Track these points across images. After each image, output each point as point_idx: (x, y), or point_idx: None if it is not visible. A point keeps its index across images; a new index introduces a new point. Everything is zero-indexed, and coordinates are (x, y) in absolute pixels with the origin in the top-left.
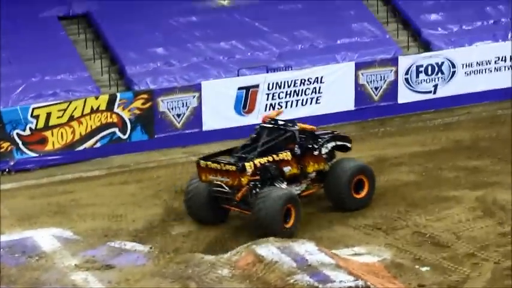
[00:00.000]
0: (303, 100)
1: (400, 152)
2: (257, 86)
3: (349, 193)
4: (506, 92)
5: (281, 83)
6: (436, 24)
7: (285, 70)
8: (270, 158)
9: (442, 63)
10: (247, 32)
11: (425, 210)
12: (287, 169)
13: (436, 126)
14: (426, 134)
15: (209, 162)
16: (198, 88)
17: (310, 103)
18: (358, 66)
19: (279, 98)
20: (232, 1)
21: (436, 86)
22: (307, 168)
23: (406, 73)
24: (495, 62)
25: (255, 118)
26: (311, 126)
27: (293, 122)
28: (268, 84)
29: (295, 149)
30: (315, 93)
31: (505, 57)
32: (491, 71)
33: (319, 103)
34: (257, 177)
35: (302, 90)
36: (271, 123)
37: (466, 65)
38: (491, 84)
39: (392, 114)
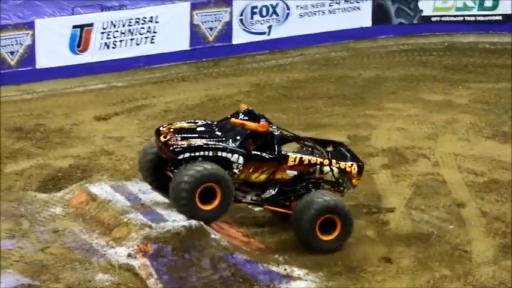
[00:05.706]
0: (137, 39)
1: (233, 92)
2: (91, 24)
3: None
4: (339, 35)
5: (115, 22)
6: None
7: (120, 9)
8: None
9: (277, 4)
10: None
11: None
12: None
13: (270, 67)
14: (260, 75)
15: None
16: (31, 26)
17: (145, 43)
18: (193, 6)
19: (113, 37)
20: None
21: (270, 28)
22: None
23: (241, 14)
24: (329, 5)
25: (89, 57)
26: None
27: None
28: (103, 23)
29: None
30: (150, 32)
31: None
32: (324, 13)
33: (153, 43)
34: None
35: (136, 29)
36: None
37: (301, 7)
38: (325, 27)
39: (227, 55)
